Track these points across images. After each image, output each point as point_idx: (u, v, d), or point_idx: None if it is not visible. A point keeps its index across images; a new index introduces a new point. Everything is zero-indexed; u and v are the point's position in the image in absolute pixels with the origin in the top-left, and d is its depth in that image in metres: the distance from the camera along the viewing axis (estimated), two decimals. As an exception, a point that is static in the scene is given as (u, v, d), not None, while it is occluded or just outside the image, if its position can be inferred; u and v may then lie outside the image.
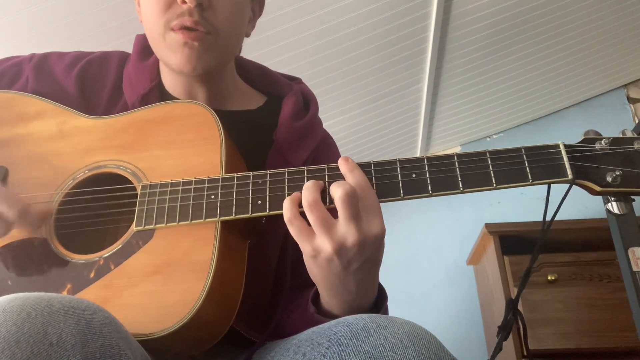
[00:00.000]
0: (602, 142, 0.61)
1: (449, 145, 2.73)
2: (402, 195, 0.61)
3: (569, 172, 0.60)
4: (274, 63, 1.84)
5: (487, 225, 1.97)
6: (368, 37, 1.93)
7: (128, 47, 0.90)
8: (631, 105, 2.54)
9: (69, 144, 0.74)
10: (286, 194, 0.62)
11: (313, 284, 0.67)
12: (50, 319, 0.44)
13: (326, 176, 0.62)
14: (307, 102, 0.88)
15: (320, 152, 0.85)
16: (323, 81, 2.03)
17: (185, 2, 0.70)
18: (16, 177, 0.73)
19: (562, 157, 0.61)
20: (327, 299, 0.64)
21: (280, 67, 1.88)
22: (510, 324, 0.62)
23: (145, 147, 0.71)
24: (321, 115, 0.91)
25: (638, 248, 1.31)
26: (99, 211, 0.71)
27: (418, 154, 2.73)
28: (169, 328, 0.57)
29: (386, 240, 0.62)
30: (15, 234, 0.69)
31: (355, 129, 2.40)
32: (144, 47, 0.85)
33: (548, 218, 0.63)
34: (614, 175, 0.58)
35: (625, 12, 2.15)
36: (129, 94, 0.80)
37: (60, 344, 0.43)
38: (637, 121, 2.48)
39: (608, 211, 0.60)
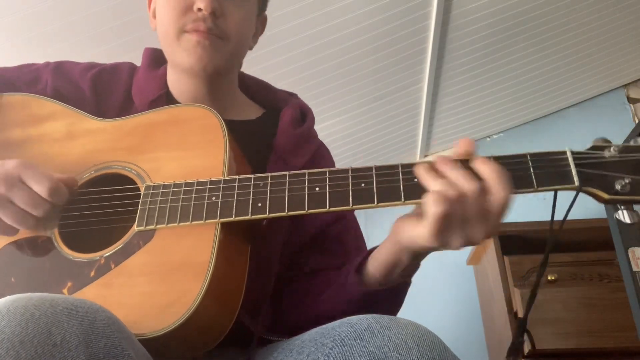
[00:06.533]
0: (612, 149, 0.59)
1: (449, 145, 2.73)
2: (402, 199, 0.61)
3: (575, 179, 0.58)
4: (273, 63, 1.84)
5: (487, 225, 1.97)
6: (368, 37, 1.93)
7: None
8: (631, 105, 2.54)
9: (77, 145, 0.76)
10: (286, 197, 0.62)
11: (317, 269, 0.71)
12: (54, 319, 0.45)
13: (327, 179, 0.63)
14: (304, 115, 0.92)
15: (316, 159, 0.89)
16: (323, 81, 2.03)
17: (200, 10, 0.76)
18: None
19: (568, 164, 0.59)
20: (396, 254, 0.65)
21: (280, 67, 1.89)
22: (520, 345, 0.62)
23: (151, 149, 0.72)
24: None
25: (638, 248, 1.32)
26: (103, 211, 0.71)
27: (418, 154, 2.73)
28: (165, 328, 0.57)
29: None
30: (21, 232, 0.70)
31: (355, 129, 2.40)
32: (153, 58, 0.91)
33: (553, 219, 0.62)
34: (623, 183, 0.57)
35: (625, 12, 2.15)
36: (138, 100, 0.84)
37: (64, 344, 0.44)
38: (637, 121, 2.48)
39: (618, 220, 0.59)
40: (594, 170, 0.59)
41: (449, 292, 2.34)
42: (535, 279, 0.62)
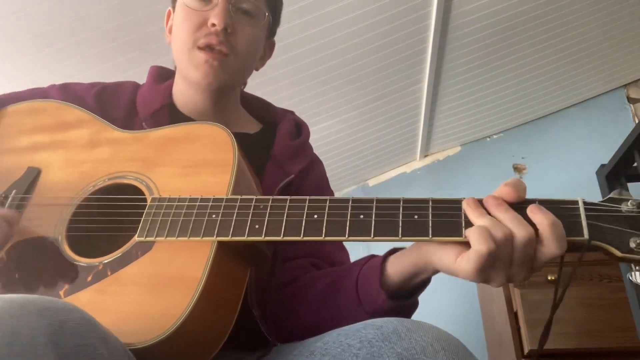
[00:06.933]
0: (629, 203, 0.54)
1: (449, 145, 2.73)
2: (400, 236, 0.59)
3: (585, 232, 0.54)
4: (274, 63, 1.84)
5: (487, 226, 1.97)
6: (368, 37, 1.93)
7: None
8: (631, 105, 2.54)
9: (97, 153, 0.79)
10: (284, 222, 0.62)
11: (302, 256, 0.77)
12: (22, 320, 0.45)
13: (327, 207, 0.62)
14: (299, 129, 0.96)
15: (309, 170, 0.92)
16: (323, 81, 2.03)
17: (214, 25, 0.82)
18: (47, 178, 0.78)
19: (579, 215, 0.55)
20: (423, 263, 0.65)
21: (280, 68, 1.89)
22: None
23: (164, 162, 0.74)
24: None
25: (638, 248, 1.31)
26: (110, 218, 0.72)
27: (418, 154, 2.74)
28: (152, 339, 0.57)
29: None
30: (30, 231, 0.72)
31: (355, 129, 2.40)
32: (159, 75, 0.97)
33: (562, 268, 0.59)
34: (639, 241, 0.52)
35: (624, 12, 2.15)
36: (142, 110, 0.88)
37: (33, 344, 0.43)
38: (637, 121, 2.48)
39: (633, 283, 0.55)
40: (608, 224, 0.54)
41: (449, 292, 2.34)
42: (548, 319, 0.60)
